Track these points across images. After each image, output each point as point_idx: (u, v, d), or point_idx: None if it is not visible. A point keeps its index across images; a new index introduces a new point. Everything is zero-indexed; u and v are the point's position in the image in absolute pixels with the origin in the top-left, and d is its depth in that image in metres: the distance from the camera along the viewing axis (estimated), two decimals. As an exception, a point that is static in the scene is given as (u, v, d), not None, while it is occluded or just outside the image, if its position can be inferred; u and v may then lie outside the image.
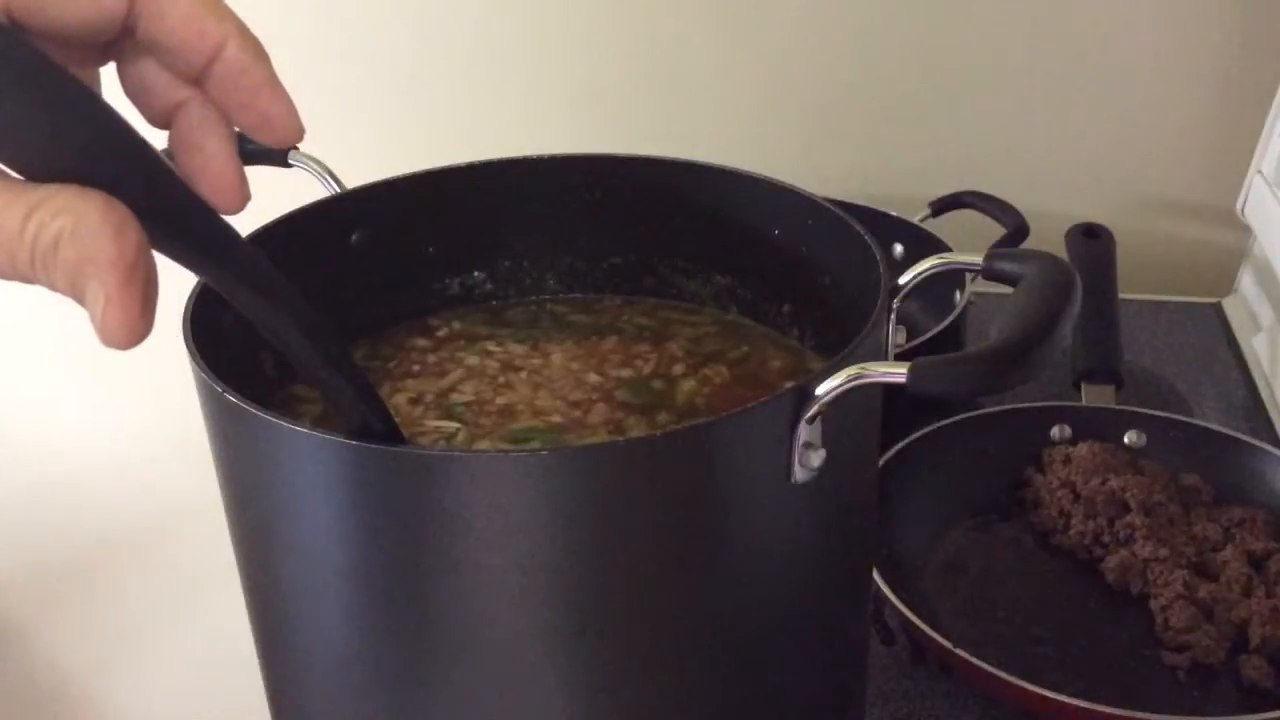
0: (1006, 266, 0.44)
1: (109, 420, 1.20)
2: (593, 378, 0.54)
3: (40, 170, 0.28)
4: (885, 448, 0.72)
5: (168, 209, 0.30)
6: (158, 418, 1.02)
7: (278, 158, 0.62)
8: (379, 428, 0.38)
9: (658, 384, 0.54)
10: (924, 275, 0.47)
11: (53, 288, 0.29)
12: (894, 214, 0.96)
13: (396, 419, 0.40)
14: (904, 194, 1.01)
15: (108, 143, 0.28)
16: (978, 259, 0.46)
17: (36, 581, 1.20)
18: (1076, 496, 0.73)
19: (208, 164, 0.32)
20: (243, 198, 0.33)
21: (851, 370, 0.38)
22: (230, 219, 0.33)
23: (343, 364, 0.37)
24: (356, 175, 0.58)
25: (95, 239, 0.28)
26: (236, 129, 0.33)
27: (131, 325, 0.29)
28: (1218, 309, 1.01)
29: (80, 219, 0.27)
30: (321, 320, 0.36)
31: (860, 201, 0.92)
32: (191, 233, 0.31)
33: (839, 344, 0.41)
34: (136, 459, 1.21)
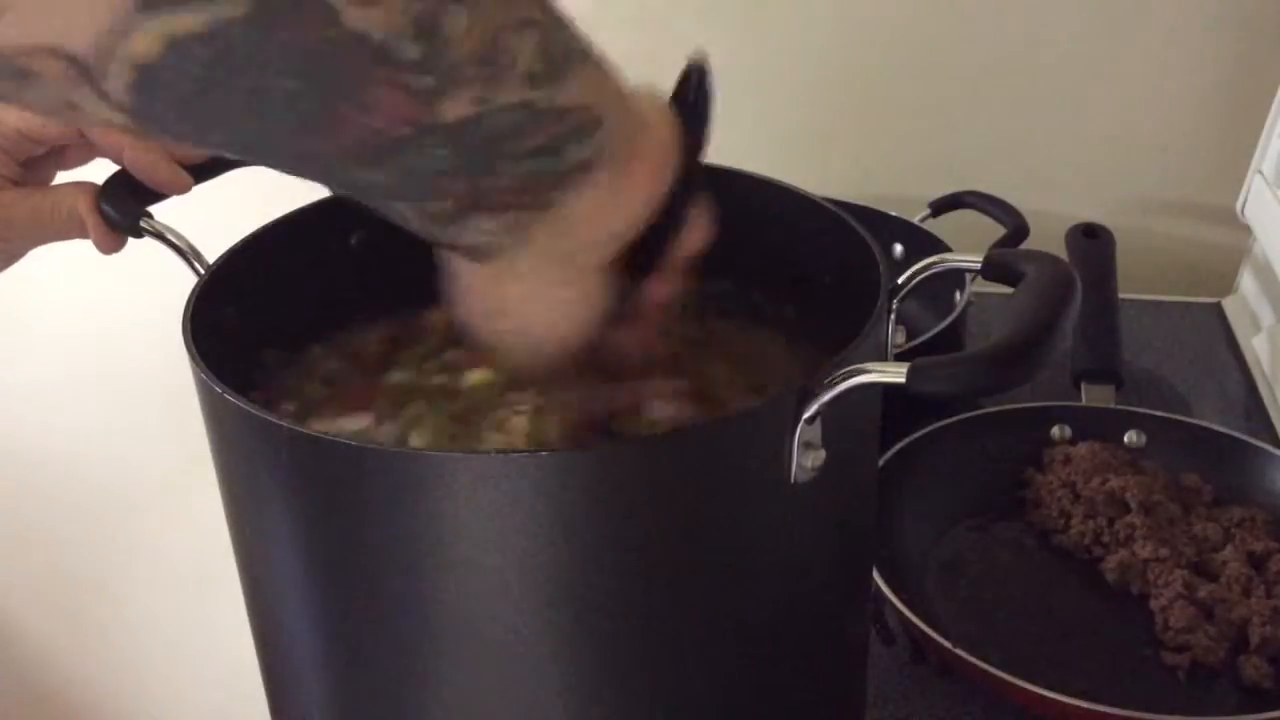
0: (1006, 266, 0.44)
1: (109, 420, 1.20)
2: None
3: None
4: (885, 448, 0.72)
5: None
6: (159, 417, 1.02)
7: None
8: None
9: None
10: (924, 275, 0.46)
11: None
12: (894, 214, 0.96)
13: None
14: (904, 194, 1.01)
15: None
16: (978, 259, 0.46)
17: (40, 583, 1.21)
18: (1076, 496, 0.72)
19: None
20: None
21: (851, 370, 0.38)
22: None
23: None
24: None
25: None
26: None
27: None
28: (1218, 309, 1.01)
29: None
30: None
31: (860, 201, 0.92)
32: None
33: (839, 344, 0.40)
34: (137, 458, 1.21)
